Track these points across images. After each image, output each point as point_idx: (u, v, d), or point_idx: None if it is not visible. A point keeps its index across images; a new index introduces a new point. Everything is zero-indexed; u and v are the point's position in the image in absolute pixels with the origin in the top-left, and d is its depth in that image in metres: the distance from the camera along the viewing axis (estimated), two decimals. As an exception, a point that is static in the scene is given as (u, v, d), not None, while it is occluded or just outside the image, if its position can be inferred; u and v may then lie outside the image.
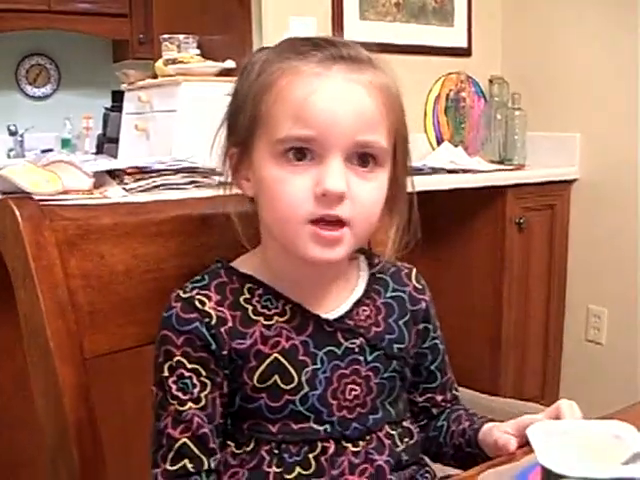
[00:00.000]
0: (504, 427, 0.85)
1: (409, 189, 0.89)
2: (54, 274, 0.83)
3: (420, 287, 0.95)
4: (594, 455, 0.61)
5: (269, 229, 0.84)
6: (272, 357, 0.82)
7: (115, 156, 2.80)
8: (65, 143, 4.57)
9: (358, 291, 0.90)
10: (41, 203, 0.87)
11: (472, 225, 2.63)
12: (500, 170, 2.61)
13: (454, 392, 0.99)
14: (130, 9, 4.58)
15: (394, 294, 0.92)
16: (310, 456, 0.82)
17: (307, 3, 2.55)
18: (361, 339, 0.86)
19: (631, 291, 2.52)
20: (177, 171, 1.87)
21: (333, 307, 0.87)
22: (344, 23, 2.59)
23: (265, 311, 0.84)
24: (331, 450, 0.83)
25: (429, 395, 0.97)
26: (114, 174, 1.85)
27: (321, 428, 0.83)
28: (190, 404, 0.80)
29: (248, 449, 0.83)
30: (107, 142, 3.53)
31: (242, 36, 2.58)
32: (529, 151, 2.73)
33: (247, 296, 0.85)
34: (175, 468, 0.79)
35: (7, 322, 1.36)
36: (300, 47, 0.81)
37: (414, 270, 0.97)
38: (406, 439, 0.89)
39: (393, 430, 0.88)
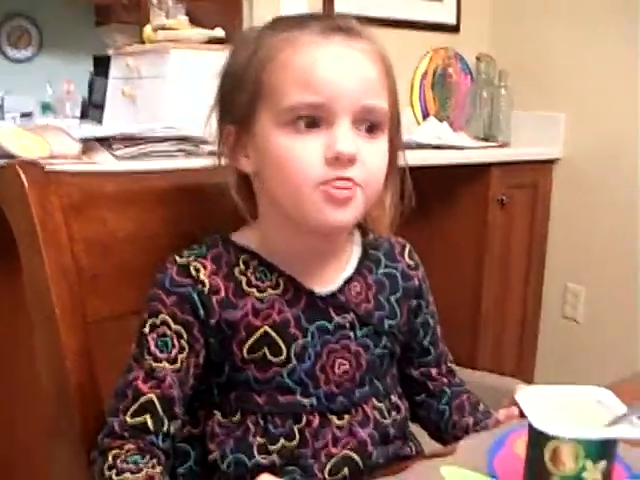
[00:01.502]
0: (496, 415, 0.85)
1: (402, 163, 0.90)
2: (59, 239, 0.84)
3: (412, 264, 0.96)
4: (579, 418, 0.64)
5: (275, 201, 0.83)
6: (262, 330, 0.83)
7: (100, 121, 2.78)
8: (45, 107, 4.52)
9: (350, 268, 0.90)
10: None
11: (455, 201, 2.65)
12: (486, 147, 2.62)
13: (449, 364, 1.01)
14: (115, -29, 4.51)
15: (386, 271, 0.93)
16: (295, 428, 0.84)
17: (298, -27, 2.53)
18: (352, 315, 0.87)
19: (609, 270, 2.56)
20: (166, 139, 1.87)
21: (326, 283, 0.88)
22: (334, -5, 2.58)
23: (259, 283, 0.85)
24: (316, 423, 0.84)
25: (424, 369, 0.99)
26: (102, 140, 1.84)
27: (307, 401, 0.84)
28: (165, 363, 0.81)
29: (234, 419, 0.84)
30: (92, 107, 3.49)
31: (231, 3, 2.55)
32: (514, 129, 2.75)
33: (242, 268, 0.85)
34: (134, 422, 0.79)
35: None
36: (298, 20, 0.83)
37: (407, 246, 0.97)
38: (393, 413, 0.91)
39: (380, 403, 0.90)
